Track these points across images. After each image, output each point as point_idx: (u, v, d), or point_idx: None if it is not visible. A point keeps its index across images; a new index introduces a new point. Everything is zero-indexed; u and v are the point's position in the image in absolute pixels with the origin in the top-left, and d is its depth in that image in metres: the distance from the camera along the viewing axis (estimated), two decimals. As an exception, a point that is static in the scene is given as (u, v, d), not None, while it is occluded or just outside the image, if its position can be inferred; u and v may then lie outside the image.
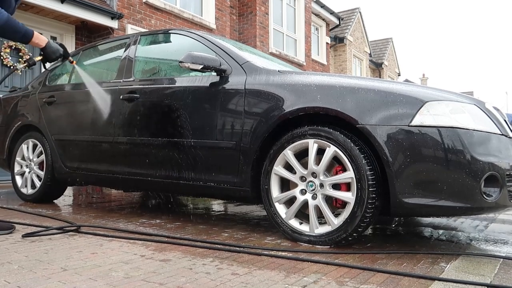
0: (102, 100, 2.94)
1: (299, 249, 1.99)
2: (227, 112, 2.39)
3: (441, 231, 2.65)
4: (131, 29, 6.99)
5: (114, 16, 6.66)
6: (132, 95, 2.84)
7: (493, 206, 1.85)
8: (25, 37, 2.23)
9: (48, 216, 2.83)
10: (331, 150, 2.03)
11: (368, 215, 1.93)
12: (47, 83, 3.71)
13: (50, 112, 3.45)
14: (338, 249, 2.00)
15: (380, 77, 18.90)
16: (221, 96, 2.43)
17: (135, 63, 3.06)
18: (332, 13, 14.11)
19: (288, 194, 2.17)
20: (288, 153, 2.15)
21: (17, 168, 3.68)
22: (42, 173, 3.46)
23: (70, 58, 2.58)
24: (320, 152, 2.08)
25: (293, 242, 2.13)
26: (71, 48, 6.62)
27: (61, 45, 2.50)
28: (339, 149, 2.00)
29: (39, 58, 2.43)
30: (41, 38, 2.31)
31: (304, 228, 2.11)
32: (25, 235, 2.14)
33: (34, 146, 3.59)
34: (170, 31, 3.12)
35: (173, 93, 2.66)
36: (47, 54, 2.39)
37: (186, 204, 3.87)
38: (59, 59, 2.49)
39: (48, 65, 2.68)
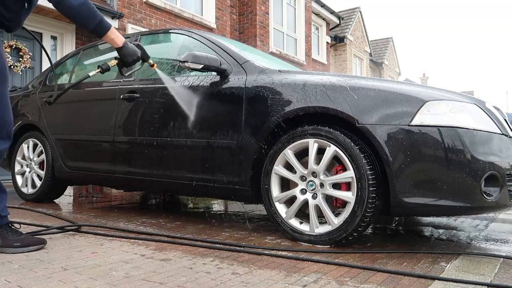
0: (185, 101, 2.51)
1: (299, 248, 1.99)
2: (227, 112, 2.39)
3: (441, 231, 2.65)
4: (131, 28, 6.99)
5: (114, 15, 6.66)
6: (132, 94, 2.84)
7: (493, 205, 1.85)
8: (100, 27, 1.91)
9: (49, 215, 2.83)
10: (331, 150, 2.03)
11: (368, 214, 1.93)
12: (47, 82, 3.71)
13: (50, 111, 3.45)
14: (338, 248, 2.00)
15: (380, 77, 18.91)
16: (222, 95, 2.43)
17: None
18: (332, 12, 14.11)
19: (288, 193, 2.17)
20: (289, 153, 2.15)
21: (17, 167, 3.68)
22: (42, 173, 3.47)
23: (150, 61, 2.24)
24: (321, 151, 2.08)
25: (293, 241, 2.13)
26: (71, 47, 6.62)
27: (138, 46, 2.16)
28: (339, 149, 2.00)
29: (115, 62, 2.11)
30: (118, 36, 2.00)
31: (304, 227, 2.11)
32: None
33: (35, 146, 3.59)
34: (170, 31, 3.12)
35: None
36: (123, 56, 2.06)
37: (186, 203, 3.87)
38: (137, 62, 2.16)
39: (125, 70, 2.29)
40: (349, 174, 1.97)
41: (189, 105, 2.48)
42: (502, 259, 1.89)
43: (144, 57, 2.18)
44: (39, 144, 3.52)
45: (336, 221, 2.00)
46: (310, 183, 2.10)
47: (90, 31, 1.94)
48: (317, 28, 14.08)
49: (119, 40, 2.01)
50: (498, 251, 2.08)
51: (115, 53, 3.31)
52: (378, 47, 21.32)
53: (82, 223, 2.55)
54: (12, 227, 1.92)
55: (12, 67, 5.89)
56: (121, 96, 2.90)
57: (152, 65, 2.27)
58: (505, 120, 2.14)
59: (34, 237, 1.95)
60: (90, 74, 2.11)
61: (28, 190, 3.57)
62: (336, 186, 2.06)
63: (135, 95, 2.83)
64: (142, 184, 2.84)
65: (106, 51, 3.57)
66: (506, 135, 2.02)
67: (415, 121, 1.88)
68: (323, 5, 13.49)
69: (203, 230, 2.43)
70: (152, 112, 2.73)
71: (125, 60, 2.07)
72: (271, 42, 10.25)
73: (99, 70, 2.09)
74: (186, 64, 2.36)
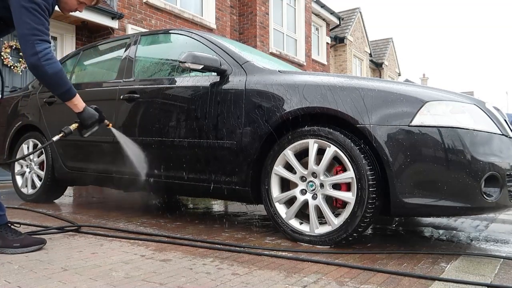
0: (134, 155, 2.68)
1: (300, 249, 1.99)
2: (227, 112, 2.39)
3: (441, 231, 2.65)
4: (131, 29, 7.00)
5: (114, 16, 6.66)
6: (133, 95, 2.84)
7: (494, 206, 1.85)
8: (66, 95, 2.03)
9: (49, 215, 2.83)
10: (331, 150, 2.03)
11: (368, 215, 1.93)
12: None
13: (50, 112, 3.45)
14: (339, 249, 2.00)
15: (380, 77, 18.91)
16: (222, 96, 2.43)
17: (136, 63, 3.06)
18: (332, 13, 14.12)
19: (288, 194, 2.17)
20: (289, 153, 2.15)
21: (17, 168, 3.68)
22: (42, 173, 3.46)
23: (106, 121, 2.35)
24: (321, 152, 2.08)
25: (294, 242, 2.13)
26: (71, 48, 6.62)
27: (96, 109, 2.25)
28: (339, 149, 2.00)
29: (75, 125, 2.18)
30: (80, 102, 2.12)
31: (304, 228, 2.11)
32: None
33: (35, 146, 3.59)
34: (170, 31, 3.12)
35: (173, 93, 2.66)
36: (83, 120, 2.15)
37: (186, 204, 3.87)
38: (95, 124, 2.23)
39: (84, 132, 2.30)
40: (349, 174, 1.97)
41: (138, 159, 2.66)
42: (502, 259, 1.89)
43: (101, 119, 2.27)
44: (39, 145, 3.52)
45: (336, 221, 2.00)
46: (310, 183, 2.10)
47: (56, 95, 2.06)
48: (317, 29, 14.08)
49: (81, 105, 2.11)
50: (498, 252, 2.08)
51: (115, 53, 3.33)
52: (378, 48, 21.31)
53: (82, 223, 2.55)
54: (12, 227, 1.92)
55: (12, 67, 5.89)
56: (121, 97, 2.90)
57: (108, 125, 2.37)
58: (505, 120, 2.14)
59: (34, 237, 1.95)
60: (54, 138, 2.17)
61: (28, 190, 3.56)
62: (336, 186, 2.06)
63: (135, 95, 2.83)
64: (141, 184, 2.84)
65: (106, 51, 3.57)
66: (506, 136, 2.02)
67: (415, 122, 1.88)
68: (323, 6, 13.50)
69: (203, 231, 2.43)
70: (152, 113, 2.73)
71: (85, 123, 2.17)
72: (271, 42, 10.25)
73: (62, 134, 2.16)
74: (186, 65, 2.36)
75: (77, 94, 2.08)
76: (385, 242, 2.26)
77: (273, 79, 2.30)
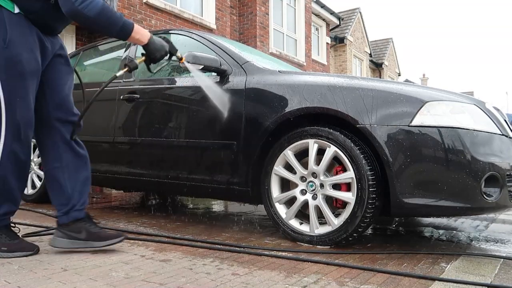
0: (220, 101, 2.30)
1: (300, 249, 1.99)
2: (227, 112, 2.38)
3: (441, 231, 2.65)
4: (131, 29, 6.98)
5: (114, 16, 6.65)
6: (132, 95, 2.84)
7: (494, 206, 1.85)
8: (123, 32, 1.76)
9: (49, 216, 2.83)
10: (331, 150, 2.03)
11: (368, 215, 1.93)
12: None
13: (50, 112, 3.45)
14: (339, 249, 2.00)
15: (380, 77, 18.91)
16: (222, 96, 2.42)
17: (136, 63, 3.06)
18: (332, 13, 14.11)
19: (288, 194, 2.17)
20: (288, 153, 2.15)
21: (17, 168, 3.67)
22: (42, 173, 3.46)
23: (179, 54, 2.04)
24: (321, 152, 2.08)
25: (294, 242, 2.13)
26: (71, 48, 6.62)
27: (166, 39, 1.99)
28: (339, 149, 2.00)
29: (142, 59, 1.94)
30: (142, 33, 1.83)
31: (304, 228, 2.11)
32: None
33: (34, 147, 3.58)
34: (170, 31, 3.12)
35: (173, 93, 2.66)
36: (150, 53, 1.90)
37: (186, 204, 3.87)
38: (164, 57, 1.98)
39: (153, 67, 2.05)
40: (349, 174, 1.97)
41: (222, 103, 2.30)
42: (502, 259, 1.89)
43: (172, 51, 2.02)
44: (39, 145, 3.52)
45: (336, 221, 2.00)
46: (310, 183, 2.10)
47: (113, 37, 1.83)
48: (317, 29, 14.08)
49: (144, 38, 1.86)
50: (498, 252, 2.08)
51: (115, 53, 3.33)
52: (378, 48, 21.30)
53: (82, 223, 2.54)
54: (11, 229, 1.87)
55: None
56: (121, 97, 2.90)
57: (180, 59, 2.09)
58: (505, 120, 2.15)
59: (27, 243, 1.85)
60: (117, 74, 1.93)
61: (28, 190, 3.56)
62: (336, 186, 2.06)
63: (135, 95, 2.83)
64: (142, 185, 2.84)
65: (106, 52, 3.57)
66: (506, 136, 2.02)
67: (415, 122, 1.88)
68: (323, 6, 13.49)
69: (203, 231, 2.43)
70: (152, 113, 2.73)
71: (153, 56, 1.93)
72: (271, 42, 10.24)
73: (126, 69, 1.93)
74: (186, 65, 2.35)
75: (135, 26, 1.79)
76: (385, 242, 2.26)
77: (273, 79, 2.30)
